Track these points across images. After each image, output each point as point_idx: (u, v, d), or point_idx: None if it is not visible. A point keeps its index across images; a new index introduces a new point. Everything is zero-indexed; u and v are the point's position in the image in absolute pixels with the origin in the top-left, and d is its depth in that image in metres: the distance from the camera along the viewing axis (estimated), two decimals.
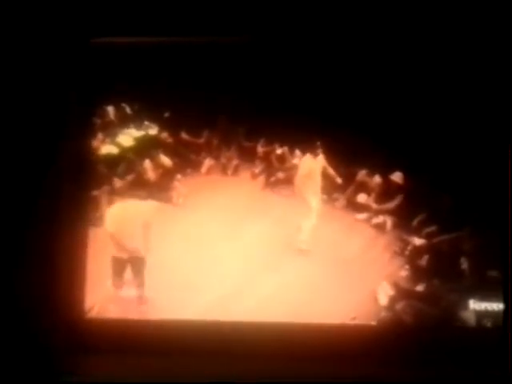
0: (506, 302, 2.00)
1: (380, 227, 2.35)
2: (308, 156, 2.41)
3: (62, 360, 1.94)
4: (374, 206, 2.39)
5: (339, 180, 2.37)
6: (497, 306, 2.09)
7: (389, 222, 2.33)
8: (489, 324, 2.09)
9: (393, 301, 2.17)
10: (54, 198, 2.06)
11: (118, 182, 2.36)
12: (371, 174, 2.37)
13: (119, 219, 2.29)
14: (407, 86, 2.21)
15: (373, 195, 2.39)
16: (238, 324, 2.10)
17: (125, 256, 2.27)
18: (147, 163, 2.47)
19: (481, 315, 2.11)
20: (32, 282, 1.99)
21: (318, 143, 2.34)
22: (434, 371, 1.91)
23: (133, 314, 2.19)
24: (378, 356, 1.97)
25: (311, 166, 2.41)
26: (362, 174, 2.38)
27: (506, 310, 2.00)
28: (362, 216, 2.41)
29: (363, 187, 2.39)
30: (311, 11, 2.11)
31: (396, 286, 2.19)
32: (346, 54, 2.20)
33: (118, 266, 2.27)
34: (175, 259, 2.30)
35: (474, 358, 1.96)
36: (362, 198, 2.41)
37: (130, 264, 2.28)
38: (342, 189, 2.40)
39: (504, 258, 1.98)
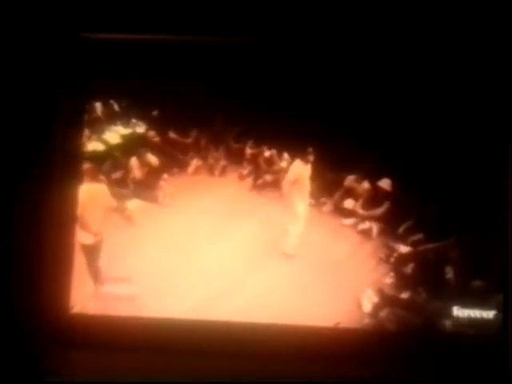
0: (505, 309, 2.01)
1: (366, 233, 2.34)
2: (298, 162, 2.39)
3: (45, 357, 1.93)
4: (361, 211, 2.37)
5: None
6: (479, 314, 2.10)
7: (375, 228, 2.31)
8: (472, 332, 2.10)
9: (377, 308, 2.16)
10: (40, 193, 2.04)
11: (102, 180, 2.33)
12: (359, 179, 2.35)
13: (84, 201, 2.24)
14: (397, 91, 2.20)
15: (360, 201, 2.37)
16: (224, 324, 2.10)
17: (90, 241, 2.24)
18: (133, 161, 2.45)
19: (465, 324, 2.11)
20: (16, 278, 1.97)
21: (310, 149, 2.32)
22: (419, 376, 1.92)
23: (119, 310, 2.17)
24: (365, 360, 1.98)
25: (300, 172, 2.39)
26: (350, 180, 2.36)
27: (505, 318, 2.01)
28: (349, 221, 2.39)
29: (351, 193, 2.38)
30: (304, 14, 2.09)
31: (380, 293, 2.18)
32: (337, 61, 2.19)
33: (89, 254, 2.24)
34: (160, 259, 2.28)
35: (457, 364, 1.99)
36: (349, 203, 2.39)
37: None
38: (329, 193, 2.39)
39: (503, 264, 2.00)
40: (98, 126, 2.37)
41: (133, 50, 2.21)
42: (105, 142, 2.39)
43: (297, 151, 2.37)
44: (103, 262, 2.24)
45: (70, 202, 2.16)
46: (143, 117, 2.40)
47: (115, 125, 2.42)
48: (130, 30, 2.12)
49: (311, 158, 2.33)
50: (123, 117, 2.42)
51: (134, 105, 2.39)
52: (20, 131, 2.05)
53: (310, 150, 2.32)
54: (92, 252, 2.26)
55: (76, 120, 2.22)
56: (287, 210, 2.40)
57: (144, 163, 2.45)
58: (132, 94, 2.34)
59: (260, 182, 2.51)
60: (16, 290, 1.96)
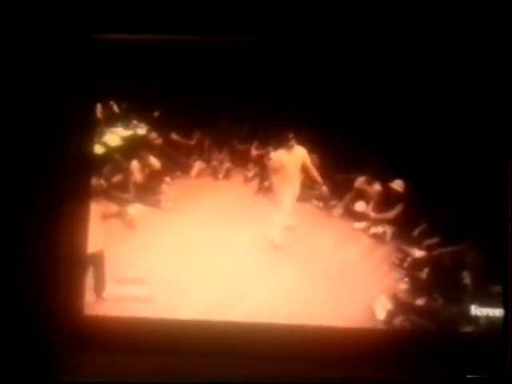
0: (505, 308, 1.97)
1: (378, 237, 2.27)
2: (281, 150, 2.34)
3: (60, 359, 1.93)
4: (373, 214, 2.31)
5: (319, 179, 2.30)
6: (499, 314, 2.04)
7: (388, 232, 2.25)
8: (490, 337, 2.03)
9: (391, 315, 2.10)
10: (53, 193, 2.04)
11: (103, 184, 2.27)
12: (370, 181, 2.29)
13: None
14: (409, 89, 2.15)
15: (371, 203, 2.31)
16: (236, 325, 2.10)
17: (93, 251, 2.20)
18: (134, 165, 2.39)
19: (482, 331, 2.05)
20: (30, 279, 1.97)
21: (291, 135, 2.28)
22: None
23: (132, 312, 2.15)
24: (374, 359, 1.94)
25: (283, 160, 2.35)
26: (360, 181, 2.30)
27: (505, 317, 1.97)
28: (360, 225, 2.32)
29: (362, 195, 2.31)
30: (308, 12, 2.05)
31: (394, 299, 2.12)
32: (346, 58, 2.14)
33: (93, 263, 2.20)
34: (167, 263, 2.24)
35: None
36: (360, 206, 2.32)
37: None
38: (339, 196, 2.33)
39: (504, 266, 1.95)
40: (97, 128, 2.30)
41: (134, 50, 2.18)
42: (105, 145, 2.32)
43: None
44: (113, 264, 2.21)
45: (82, 203, 2.14)
46: (144, 118, 2.35)
47: (115, 127, 2.36)
48: (132, 31, 2.09)
49: (295, 143, 2.29)
50: (123, 118, 2.36)
51: (135, 106, 2.33)
52: (29, 134, 2.04)
53: (291, 135, 2.27)
54: (95, 261, 2.21)
55: (85, 121, 2.20)
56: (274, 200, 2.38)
57: (145, 166, 2.39)
58: (133, 95, 2.29)
59: (266, 184, 2.44)
60: (30, 293, 1.96)
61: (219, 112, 2.31)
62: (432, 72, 2.11)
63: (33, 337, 1.94)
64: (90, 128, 2.22)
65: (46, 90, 2.06)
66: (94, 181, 2.23)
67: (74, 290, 2.08)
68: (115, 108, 2.34)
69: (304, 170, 2.32)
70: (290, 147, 2.31)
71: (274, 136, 2.32)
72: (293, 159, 2.33)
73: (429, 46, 2.09)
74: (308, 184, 2.33)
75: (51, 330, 1.97)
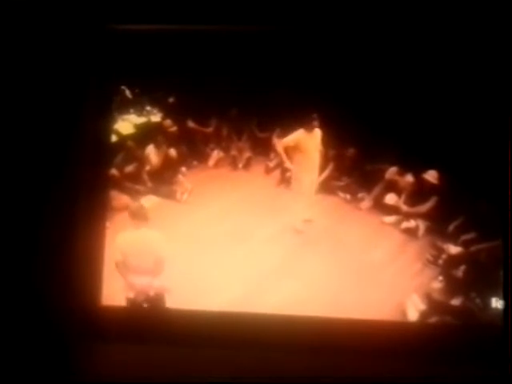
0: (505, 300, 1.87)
1: (411, 232, 2.19)
2: (302, 130, 2.28)
3: (77, 349, 1.92)
4: (405, 208, 2.22)
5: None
6: None
7: (421, 226, 2.17)
8: None
9: (424, 316, 1.99)
10: (74, 186, 2.00)
11: (116, 175, 2.18)
12: (402, 171, 2.20)
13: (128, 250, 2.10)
14: (442, 74, 2.02)
15: (403, 196, 2.23)
16: (256, 316, 2.00)
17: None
18: (148, 154, 2.31)
19: None
20: (49, 269, 1.95)
21: (315, 115, 2.21)
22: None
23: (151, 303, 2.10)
24: (390, 351, 1.84)
25: (301, 138, 2.28)
26: (391, 172, 2.21)
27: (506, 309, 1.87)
28: (391, 219, 2.24)
29: (392, 187, 2.23)
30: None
31: (428, 299, 2.01)
32: (373, 44, 2.02)
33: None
34: (182, 256, 2.14)
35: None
36: (390, 198, 2.25)
37: None
38: (368, 188, 2.25)
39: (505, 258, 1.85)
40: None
41: (152, 39, 2.09)
42: (117, 133, 2.21)
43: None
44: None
45: (100, 193, 2.07)
46: (158, 104, 2.27)
47: (128, 113, 2.27)
48: (149, 21, 2.01)
49: (316, 124, 2.21)
50: (136, 104, 2.27)
51: (149, 91, 2.25)
52: (49, 123, 1.98)
53: (316, 116, 2.20)
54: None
55: (104, 107, 2.09)
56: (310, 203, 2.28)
57: (160, 155, 2.32)
58: (150, 82, 2.20)
59: (288, 175, 2.36)
60: (48, 283, 1.94)
61: (238, 97, 2.21)
62: (468, 59, 1.99)
63: (50, 327, 1.92)
64: (108, 117, 2.13)
65: (63, 81, 2.00)
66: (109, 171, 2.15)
67: (91, 281, 2.05)
68: (129, 95, 2.25)
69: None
70: (311, 128, 2.24)
71: (297, 122, 2.25)
72: (313, 141, 2.26)
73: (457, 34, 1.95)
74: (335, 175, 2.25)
75: (69, 321, 1.95)
